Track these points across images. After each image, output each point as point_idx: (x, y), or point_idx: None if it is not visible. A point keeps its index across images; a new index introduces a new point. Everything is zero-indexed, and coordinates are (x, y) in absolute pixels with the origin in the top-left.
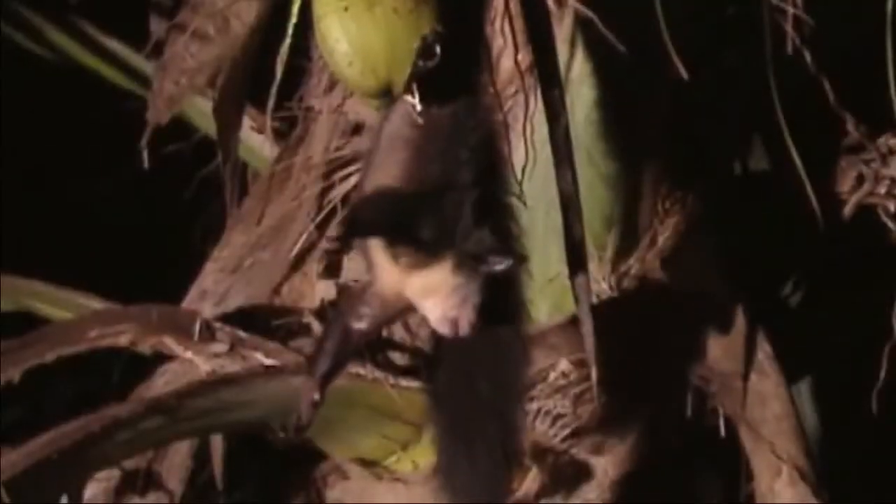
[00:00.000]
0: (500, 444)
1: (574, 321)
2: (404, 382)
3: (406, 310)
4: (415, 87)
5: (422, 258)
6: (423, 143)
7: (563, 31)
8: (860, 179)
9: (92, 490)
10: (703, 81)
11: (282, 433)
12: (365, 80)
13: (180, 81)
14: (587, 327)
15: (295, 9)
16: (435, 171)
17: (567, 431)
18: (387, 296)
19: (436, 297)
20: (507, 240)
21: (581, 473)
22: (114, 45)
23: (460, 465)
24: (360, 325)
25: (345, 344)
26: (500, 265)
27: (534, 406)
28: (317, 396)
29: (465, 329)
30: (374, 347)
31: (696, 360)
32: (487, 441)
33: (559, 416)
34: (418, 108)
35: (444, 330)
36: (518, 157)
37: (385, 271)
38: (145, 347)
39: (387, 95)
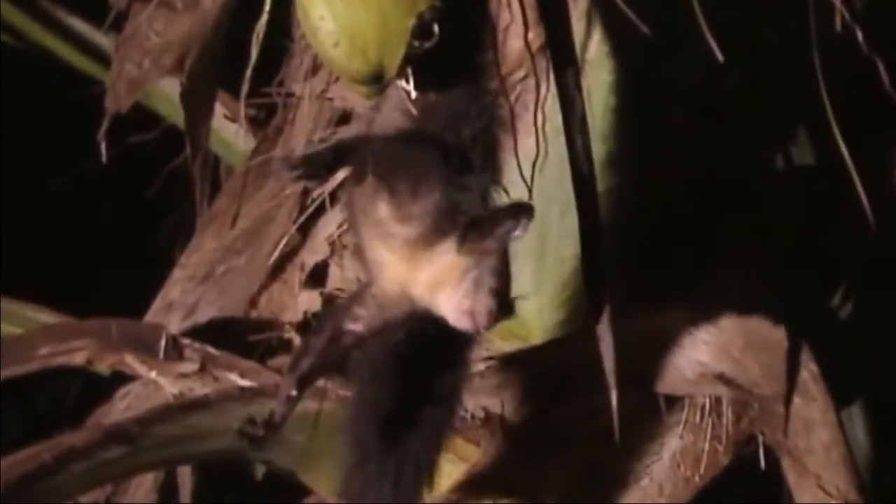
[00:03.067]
0: (421, 457)
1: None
2: None
3: (409, 314)
4: (409, 71)
5: (423, 219)
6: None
7: (578, 6)
8: None
9: None
10: (738, 64)
11: (248, 431)
12: (353, 63)
13: (143, 63)
14: (606, 341)
15: None
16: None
17: None
18: (388, 295)
19: (445, 288)
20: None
21: None
22: (71, 21)
23: (375, 483)
24: (355, 326)
25: (333, 345)
26: (513, 232)
27: None
28: (294, 393)
29: (483, 321)
30: None
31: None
32: (408, 455)
33: None
34: (413, 95)
35: (462, 325)
36: (528, 151)
37: (389, 266)
38: (104, 367)
39: (377, 81)
